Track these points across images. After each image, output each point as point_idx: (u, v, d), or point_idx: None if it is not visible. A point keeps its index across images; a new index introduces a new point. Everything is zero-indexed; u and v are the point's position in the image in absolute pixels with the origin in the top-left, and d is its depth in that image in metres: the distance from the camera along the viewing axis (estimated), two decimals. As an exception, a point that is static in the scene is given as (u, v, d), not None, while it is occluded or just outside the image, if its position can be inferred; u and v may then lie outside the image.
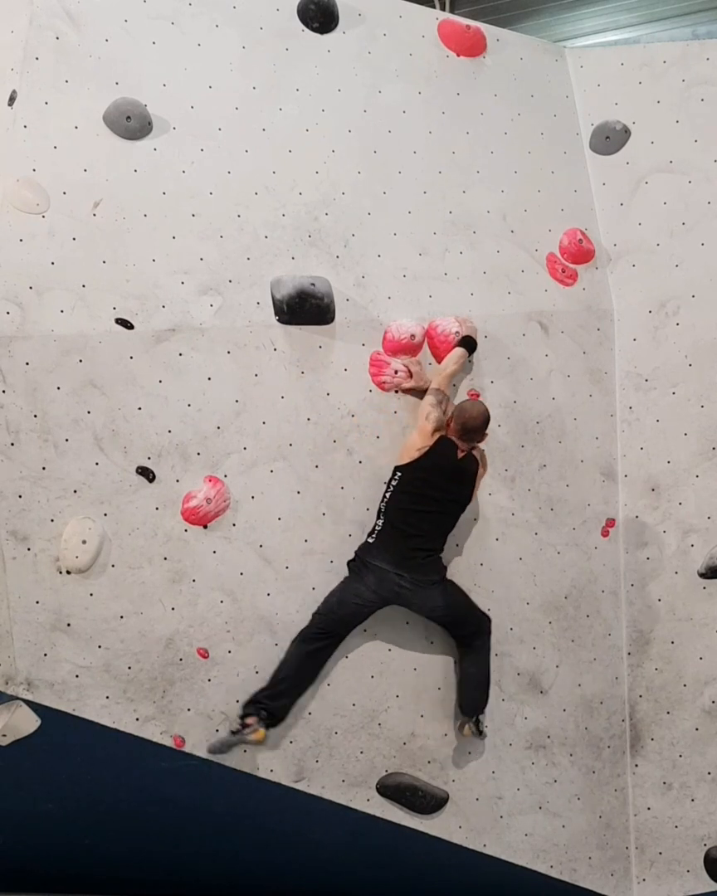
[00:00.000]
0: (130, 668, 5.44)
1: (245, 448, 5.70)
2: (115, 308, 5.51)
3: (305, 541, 5.79)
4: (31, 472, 5.30)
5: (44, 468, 5.32)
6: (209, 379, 5.66)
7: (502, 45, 6.73)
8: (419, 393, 6.00)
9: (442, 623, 5.87)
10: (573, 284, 6.59)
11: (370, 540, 5.71)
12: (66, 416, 5.38)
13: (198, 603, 5.56)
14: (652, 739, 6.36)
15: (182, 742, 5.50)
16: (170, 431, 5.56)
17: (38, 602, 5.29)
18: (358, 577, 5.69)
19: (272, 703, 5.58)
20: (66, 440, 5.37)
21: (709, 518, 6.38)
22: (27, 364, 5.32)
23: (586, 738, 6.29)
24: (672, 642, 6.37)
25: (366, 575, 5.67)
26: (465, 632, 5.90)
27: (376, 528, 5.70)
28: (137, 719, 5.44)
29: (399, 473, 5.70)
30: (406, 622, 5.91)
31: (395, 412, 6.02)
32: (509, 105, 6.66)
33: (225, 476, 5.64)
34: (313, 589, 5.77)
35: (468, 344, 6.00)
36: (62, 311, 5.41)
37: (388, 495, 5.70)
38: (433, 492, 5.68)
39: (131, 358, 5.51)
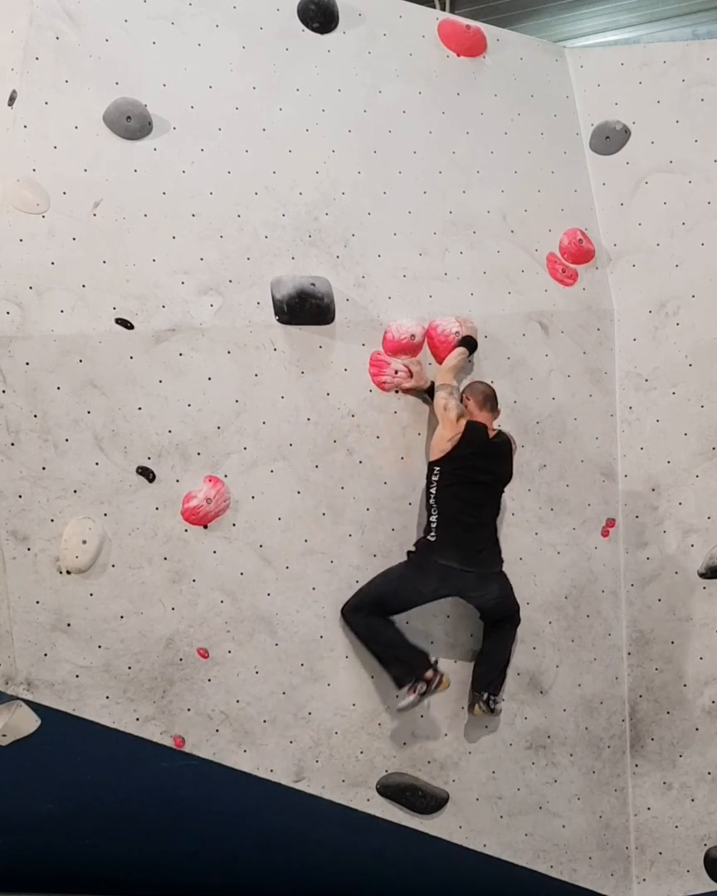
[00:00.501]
0: (129, 668, 5.44)
1: (245, 448, 5.70)
2: (115, 308, 5.51)
3: (305, 541, 5.79)
4: (31, 472, 5.30)
5: (44, 468, 5.32)
6: (209, 379, 5.66)
7: (502, 45, 6.74)
8: (419, 393, 6.01)
9: (487, 609, 5.89)
10: (573, 284, 6.59)
11: (431, 538, 5.69)
12: (66, 416, 5.37)
13: (198, 603, 5.56)
14: (652, 739, 6.36)
15: (182, 742, 5.50)
16: (170, 431, 5.56)
17: (38, 602, 5.29)
18: (420, 573, 5.70)
19: (418, 653, 5.71)
20: (66, 440, 5.36)
21: (709, 518, 6.38)
22: (27, 364, 5.32)
23: (586, 738, 6.29)
24: (672, 642, 6.37)
25: (430, 574, 5.68)
26: (500, 618, 5.93)
27: (433, 524, 5.69)
28: (137, 719, 5.43)
29: (438, 468, 5.72)
30: (406, 622, 5.91)
31: (395, 412, 6.02)
32: (509, 105, 6.66)
33: (225, 476, 5.64)
34: (313, 589, 5.77)
35: (469, 343, 6.01)
36: (62, 311, 5.41)
37: (433, 491, 5.70)
38: (478, 475, 5.71)
39: (131, 358, 5.51)
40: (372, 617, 5.73)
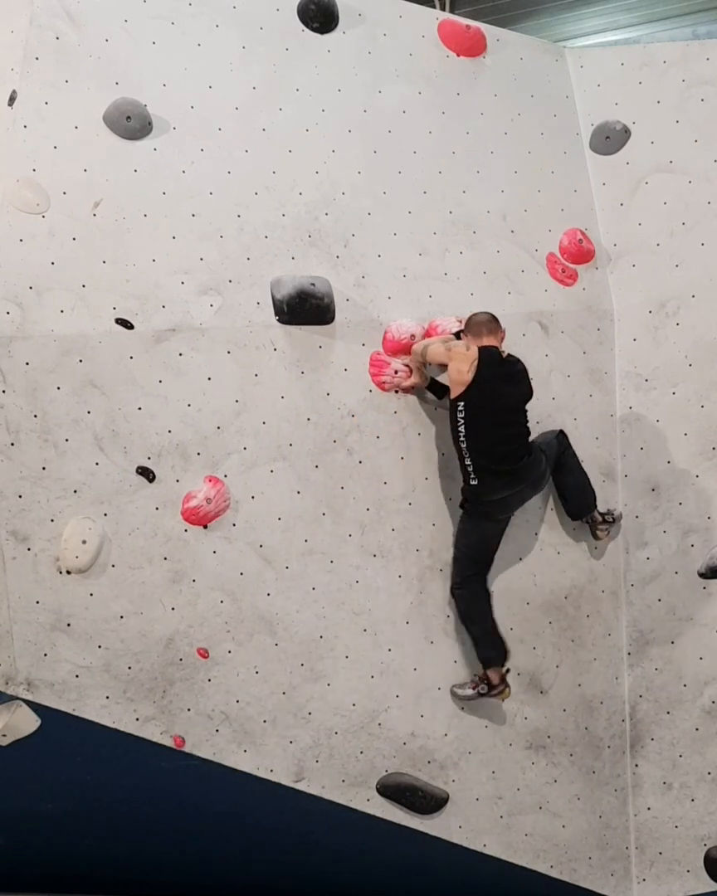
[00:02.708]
0: (129, 668, 5.44)
1: (245, 448, 5.70)
2: (115, 308, 5.51)
3: (305, 541, 5.78)
4: (31, 472, 5.30)
5: (44, 468, 5.32)
6: (209, 379, 5.66)
7: (502, 45, 6.73)
8: (420, 391, 6.01)
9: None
10: (573, 284, 6.59)
11: (473, 482, 5.72)
12: (66, 416, 5.37)
13: (198, 603, 5.56)
14: (652, 739, 6.35)
15: (182, 742, 5.50)
16: (170, 431, 5.56)
17: (38, 602, 5.29)
18: (486, 517, 5.87)
19: (503, 646, 5.94)
20: (66, 440, 5.36)
21: (709, 518, 6.38)
22: (27, 364, 5.32)
23: (586, 738, 6.29)
24: (672, 642, 6.37)
25: (493, 511, 5.84)
26: (555, 461, 6.09)
27: (469, 468, 5.69)
28: (137, 719, 5.43)
29: (461, 403, 5.67)
30: (406, 622, 5.92)
31: (395, 412, 6.02)
32: (509, 105, 6.66)
33: (225, 476, 5.64)
34: (313, 589, 5.77)
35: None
36: (62, 311, 5.41)
37: (462, 429, 5.66)
38: (503, 400, 5.72)
39: (131, 358, 5.51)
40: (476, 601, 5.93)
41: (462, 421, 5.67)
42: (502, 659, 5.94)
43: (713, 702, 6.32)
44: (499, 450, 5.68)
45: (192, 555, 5.56)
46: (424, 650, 5.97)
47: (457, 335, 5.97)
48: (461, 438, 5.68)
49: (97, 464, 5.41)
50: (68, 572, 5.33)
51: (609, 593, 6.42)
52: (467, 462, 5.69)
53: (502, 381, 5.72)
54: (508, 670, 5.94)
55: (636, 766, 6.36)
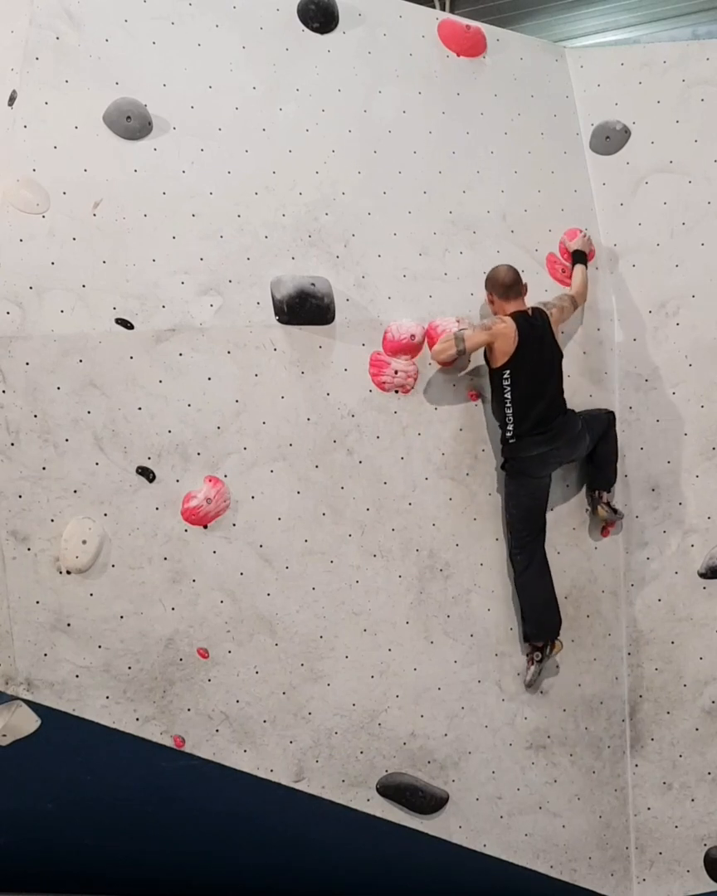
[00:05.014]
0: (129, 668, 5.44)
1: (245, 448, 5.70)
2: (115, 308, 5.51)
3: (305, 541, 5.79)
4: (31, 472, 5.30)
5: (44, 468, 5.32)
6: (209, 379, 5.66)
7: (502, 45, 6.73)
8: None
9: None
10: (574, 284, 6.58)
11: (512, 440, 5.90)
12: (66, 416, 5.38)
13: (198, 603, 5.57)
14: (652, 739, 6.35)
15: (182, 742, 5.50)
16: (170, 431, 5.56)
17: (38, 602, 5.29)
18: (526, 473, 5.98)
19: (555, 617, 6.06)
20: (66, 440, 5.37)
21: (709, 518, 6.38)
22: (27, 364, 5.32)
23: (586, 738, 6.29)
24: (672, 642, 6.37)
25: (532, 467, 5.96)
26: (599, 437, 6.22)
27: (509, 426, 5.88)
28: (137, 719, 5.44)
29: (508, 371, 5.85)
30: (406, 622, 5.92)
31: (395, 412, 6.02)
32: (509, 105, 6.66)
33: (225, 476, 5.64)
34: (313, 589, 5.78)
35: (581, 258, 6.32)
36: (62, 311, 5.41)
37: (508, 396, 5.85)
38: (542, 362, 5.92)
39: (131, 358, 5.51)
40: (535, 565, 6.01)
41: (508, 387, 5.85)
42: (555, 631, 6.08)
43: (713, 702, 6.32)
44: (539, 408, 5.86)
45: (192, 555, 5.56)
46: (424, 650, 5.97)
47: (576, 255, 6.23)
48: (508, 405, 5.86)
49: (97, 464, 5.41)
50: (68, 572, 5.34)
51: (609, 593, 6.42)
52: (509, 425, 5.88)
53: (539, 341, 5.91)
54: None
55: (636, 766, 6.36)
